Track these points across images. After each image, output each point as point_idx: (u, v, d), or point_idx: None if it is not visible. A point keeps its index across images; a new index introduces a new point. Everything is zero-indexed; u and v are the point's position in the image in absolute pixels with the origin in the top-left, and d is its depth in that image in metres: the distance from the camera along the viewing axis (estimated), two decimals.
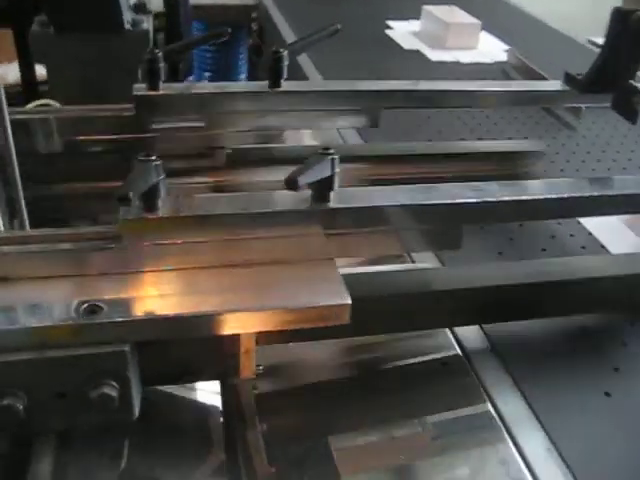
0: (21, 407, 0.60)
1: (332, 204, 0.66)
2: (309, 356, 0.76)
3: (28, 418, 0.61)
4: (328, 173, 0.63)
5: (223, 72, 2.19)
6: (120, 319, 0.60)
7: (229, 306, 0.62)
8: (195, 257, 0.66)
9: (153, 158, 0.61)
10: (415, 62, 1.65)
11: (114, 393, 0.61)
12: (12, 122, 0.83)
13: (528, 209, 0.72)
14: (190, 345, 0.66)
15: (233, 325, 0.63)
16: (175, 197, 0.65)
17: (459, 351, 0.80)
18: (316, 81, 1.29)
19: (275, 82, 0.90)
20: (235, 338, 0.67)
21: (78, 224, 0.89)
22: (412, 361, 0.80)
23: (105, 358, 0.60)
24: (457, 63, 1.65)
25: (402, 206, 0.68)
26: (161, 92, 0.88)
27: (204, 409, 0.77)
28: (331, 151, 0.64)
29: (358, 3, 2.05)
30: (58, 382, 0.61)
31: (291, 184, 0.57)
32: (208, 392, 0.76)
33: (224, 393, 0.74)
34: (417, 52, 1.72)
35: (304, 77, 1.39)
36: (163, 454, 0.70)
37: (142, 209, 0.64)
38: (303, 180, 0.58)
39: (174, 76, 0.88)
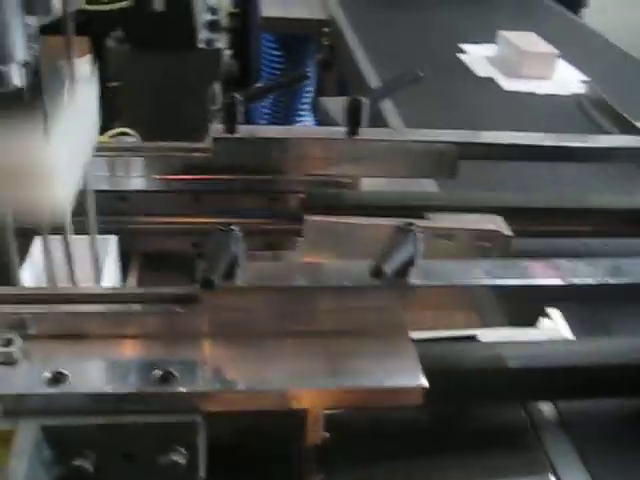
0: (91, 468, 0.61)
1: (412, 280, 0.65)
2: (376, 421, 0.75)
3: (97, 476, 0.61)
4: (412, 252, 0.62)
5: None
6: (193, 390, 0.60)
7: (300, 380, 0.62)
8: (270, 325, 0.65)
9: (233, 229, 0.61)
10: (488, 91, 1.62)
11: (182, 460, 0.61)
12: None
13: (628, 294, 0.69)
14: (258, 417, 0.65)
15: (302, 402, 0.63)
16: (253, 265, 0.65)
17: (528, 423, 0.78)
18: (395, 128, 1.27)
19: (353, 130, 0.89)
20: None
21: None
22: (478, 428, 0.78)
23: (176, 427, 0.60)
24: (531, 94, 1.60)
25: (482, 286, 0.66)
26: (238, 135, 0.88)
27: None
28: (412, 227, 0.62)
29: (431, 23, 2.01)
30: (128, 446, 0.61)
31: (377, 274, 0.56)
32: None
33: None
34: (491, 80, 1.68)
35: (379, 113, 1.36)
36: None
37: (220, 279, 0.63)
38: (389, 268, 0.57)
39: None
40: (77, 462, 0.60)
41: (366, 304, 0.66)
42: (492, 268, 0.69)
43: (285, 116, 2.19)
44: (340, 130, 0.90)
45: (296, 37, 2.05)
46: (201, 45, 1.40)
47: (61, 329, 0.63)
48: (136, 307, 0.64)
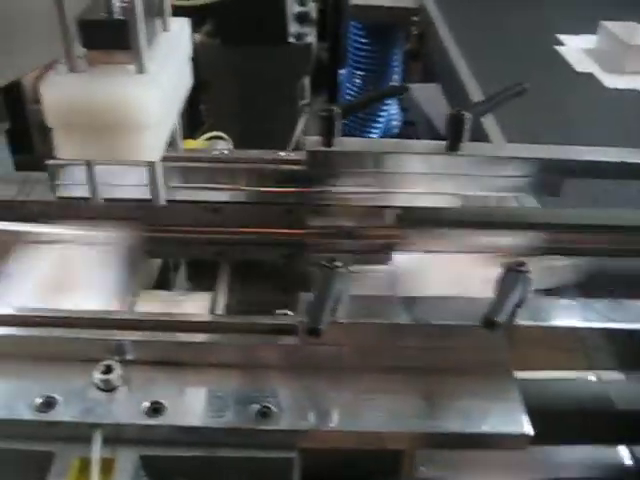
0: None
1: (519, 320, 0.62)
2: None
3: None
4: (523, 295, 0.59)
5: (376, 72, 2.14)
6: (290, 428, 0.59)
7: (398, 421, 0.60)
8: (369, 360, 0.64)
9: (338, 264, 0.59)
10: (587, 88, 1.53)
11: None
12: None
13: None
14: (354, 458, 0.64)
15: (399, 443, 0.61)
16: (354, 301, 0.63)
17: (632, 464, 0.74)
18: (496, 144, 1.22)
19: (454, 145, 0.85)
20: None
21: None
22: (583, 468, 0.75)
23: (272, 463, 0.60)
24: (635, 92, 1.51)
25: (592, 329, 0.63)
26: (335, 149, 0.85)
27: None
28: (524, 268, 0.59)
29: (527, 10, 1.92)
30: (223, 478, 0.61)
31: (490, 325, 0.53)
32: None
33: None
34: (590, 76, 1.59)
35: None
36: None
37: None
38: (502, 318, 0.54)
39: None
40: None
41: (469, 343, 0.63)
42: (603, 308, 0.65)
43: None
44: (440, 144, 0.87)
45: (384, 25, 2.00)
46: (291, 39, 1.38)
47: (160, 356, 0.63)
48: (235, 337, 0.63)
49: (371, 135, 2.22)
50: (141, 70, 0.58)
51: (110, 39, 0.58)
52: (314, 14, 1.50)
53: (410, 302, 0.64)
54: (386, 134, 2.34)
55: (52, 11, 0.55)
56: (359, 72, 2.15)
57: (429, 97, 2.04)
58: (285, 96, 1.40)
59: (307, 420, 0.60)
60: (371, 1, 1.85)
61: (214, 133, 1.05)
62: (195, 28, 1.40)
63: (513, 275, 0.58)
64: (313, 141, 0.88)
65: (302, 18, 1.47)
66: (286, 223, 0.90)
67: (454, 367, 0.64)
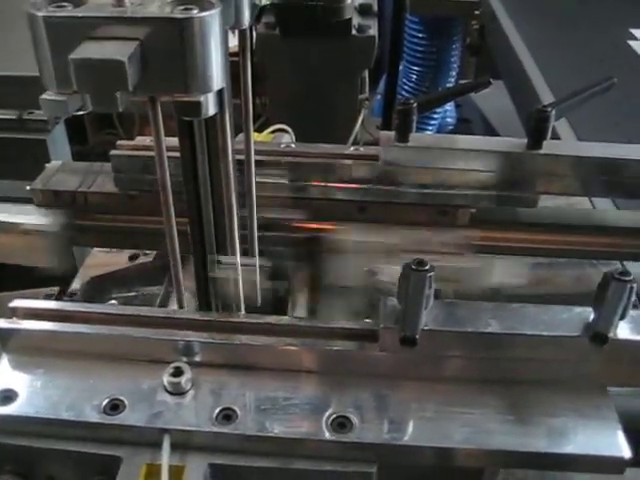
0: None
1: (618, 334, 0.57)
2: None
3: None
4: (625, 305, 0.54)
5: (434, 68, 2.08)
6: (371, 441, 0.55)
7: (484, 439, 0.56)
8: (453, 371, 0.59)
9: (427, 268, 0.55)
10: None
11: None
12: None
13: None
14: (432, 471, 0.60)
15: (485, 461, 0.57)
16: (442, 304, 0.59)
17: None
18: (574, 143, 1.16)
19: (536, 143, 0.80)
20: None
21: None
22: None
23: (350, 477, 0.56)
24: None
25: None
26: (410, 144, 0.81)
27: None
28: (627, 277, 0.54)
29: (598, 3, 1.84)
30: None
31: (600, 340, 0.49)
32: None
33: None
34: None
35: None
36: None
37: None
38: (613, 332, 0.49)
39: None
40: None
41: (564, 355, 0.58)
42: None
43: None
44: (520, 143, 0.82)
45: (442, 19, 1.94)
46: (354, 32, 1.34)
47: (231, 359, 0.60)
48: (310, 341, 0.60)
49: (426, 132, 2.17)
50: None
51: None
52: (375, 7, 1.46)
53: (500, 310, 0.60)
54: (440, 131, 2.29)
55: None
56: (415, 67, 2.10)
57: (484, 94, 1.97)
58: (345, 90, 1.36)
59: (387, 433, 0.56)
60: None
61: (278, 126, 1.01)
62: (255, 19, 1.37)
63: (617, 285, 0.53)
64: (387, 136, 0.84)
65: (364, 10, 1.43)
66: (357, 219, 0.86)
67: (545, 380, 0.59)
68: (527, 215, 0.87)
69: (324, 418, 0.56)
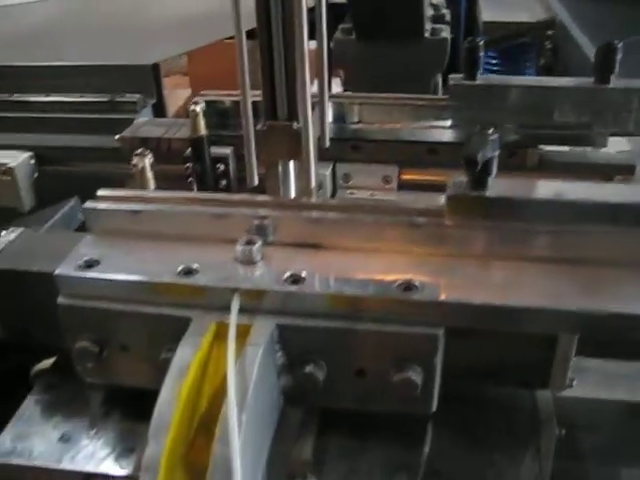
0: (321, 378, 0.58)
1: None
2: None
3: (326, 390, 0.58)
4: None
5: None
6: (439, 299, 0.55)
7: (555, 302, 0.55)
8: (520, 246, 0.59)
9: (490, 131, 0.56)
10: None
11: (418, 380, 0.56)
12: None
13: None
14: (499, 345, 0.59)
15: (551, 323, 0.55)
16: (506, 178, 0.59)
17: None
18: None
19: (603, 77, 0.81)
20: (552, 343, 0.59)
21: None
22: None
23: (416, 340, 0.56)
24: None
25: None
26: (479, 82, 0.84)
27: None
28: None
29: None
30: (362, 358, 0.57)
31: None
32: None
33: None
34: None
35: None
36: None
37: (470, 187, 0.59)
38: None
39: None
40: (308, 369, 0.58)
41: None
42: None
43: None
44: (589, 81, 0.83)
45: (514, 43, 1.97)
46: (426, 35, 1.38)
47: (301, 236, 0.62)
48: (377, 217, 0.61)
49: None
50: None
51: None
52: (448, 17, 1.51)
53: (559, 185, 0.60)
54: None
55: None
56: None
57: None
58: (421, 91, 1.40)
59: (455, 294, 0.56)
60: (499, 17, 1.84)
61: None
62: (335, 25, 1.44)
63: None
64: (455, 76, 0.86)
65: (436, 19, 1.48)
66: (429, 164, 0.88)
67: (617, 259, 0.58)
68: (596, 157, 0.87)
69: (389, 284, 0.57)
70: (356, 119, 0.89)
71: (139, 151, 0.70)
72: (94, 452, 0.63)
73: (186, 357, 0.55)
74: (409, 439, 0.63)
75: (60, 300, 0.61)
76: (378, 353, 0.57)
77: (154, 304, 0.59)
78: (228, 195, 0.67)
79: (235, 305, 0.57)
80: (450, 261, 0.59)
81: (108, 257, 0.62)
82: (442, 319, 0.55)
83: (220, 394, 0.55)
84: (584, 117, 0.82)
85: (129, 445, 0.64)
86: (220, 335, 0.57)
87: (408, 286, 0.57)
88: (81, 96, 1.14)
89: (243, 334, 0.56)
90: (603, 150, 0.86)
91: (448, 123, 0.86)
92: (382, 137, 0.87)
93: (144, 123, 0.94)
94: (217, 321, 0.57)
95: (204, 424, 0.55)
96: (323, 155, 0.78)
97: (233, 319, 0.56)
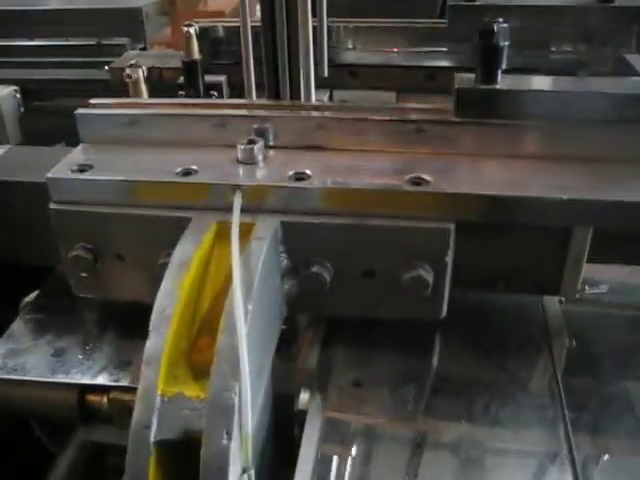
0: (328, 278, 0.55)
1: None
2: None
3: (332, 295, 0.56)
4: None
5: None
6: (450, 191, 0.53)
7: (570, 192, 0.53)
8: (530, 143, 0.57)
9: (502, 24, 0.54)
10: None
11: (429, 278, 0.54)
12: None
13: None
14: (512, 246, 0.57)
15: (559, 213, 0.53)
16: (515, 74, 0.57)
17: None
18: None
19: None
20: (565, 244, 0.57)
21: None
22: None
23: (427, 235, 0.53)
24: None
25: None
26: (478, 3, 0.82)
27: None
28: None
29: None
30: (370, 257, 0.55)
31: None
32: None
33: None
34: None
35: None
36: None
37: (479, 81, 0.57)
38: None
39: None
40: (314, 269, 0.55)
41: None
42: None
43: None
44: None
45: None
46: None
47: (301, 139, 0.60)
48: (381, 116, 0.59)
49: None
50: None
51: None
52: None
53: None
54: None
55: None
56: None
57: None
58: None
59: (465, 188, 0.54)
60: None
61: None
62: None
63: None
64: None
65: None
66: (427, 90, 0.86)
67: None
68: None
69: (398, 178, 0.55)
70: (352, 45, 0.86)
71: (133, 62, 0.67)
72: (90, 366, 0.61)
73: (187, 251, 0.52)
74: (417, 350, 0.61)
75: (52, 206, 0.58)
76: (388, 251, 0.54)
77: (151, 206, 0.57)
78: (226, 100, 0.64)
79: (237, 201, 0.54)
80: (458, 159, 0.57)
81: (102, 162, 0.59)
82: (453, 213, 0.53)
83: (222, 295, 0.53)
84: (584, 39, 0.81)
85: (125, 359, 0.61)
86: (221, 235, 0.54)
87: (417, 180, 0.54)
88: (67, 40, 1.11)
89: (246, 233, 0.53)
90: None
91: (446, 48, 0.84)
92: (379, 62, 0.84)
93: (134, 55, 0.91)
94: (218, 220, 0.55)
95: (206, 325, 0.52)
96: (321, 83, 0.76)
97: (236, 209, 0.53)
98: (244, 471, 0.46)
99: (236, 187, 0.55)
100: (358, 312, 0.58)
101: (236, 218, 0.53)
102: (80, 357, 0.63)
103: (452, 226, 0.53)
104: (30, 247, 0.66)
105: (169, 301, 0.49)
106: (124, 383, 0.59)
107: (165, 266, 0.56)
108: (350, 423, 0.55)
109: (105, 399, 0.61)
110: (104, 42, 1.11)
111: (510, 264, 0.59)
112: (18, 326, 0.66)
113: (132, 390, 0.59)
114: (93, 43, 1.11)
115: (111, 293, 0.62)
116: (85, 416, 0.63)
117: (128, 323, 0.64)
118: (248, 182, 0.55)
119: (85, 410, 0.62)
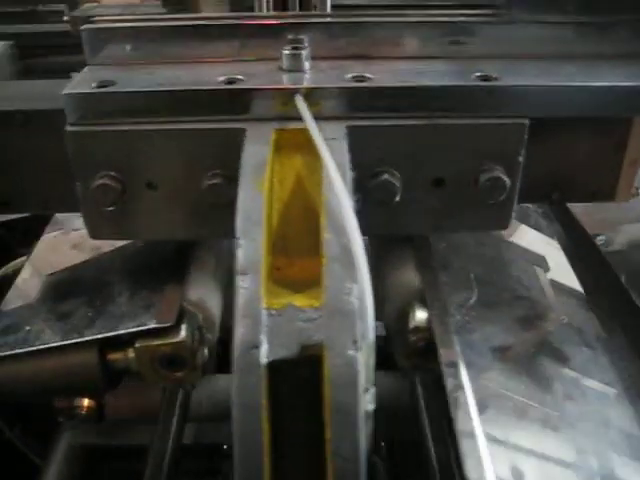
0: (398, 185, 0.51)
1: None
2: None
3: (397, 208, 0.52)
4: None
5: None
6: (522, 84, 0.50)
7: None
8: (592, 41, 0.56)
9: None
10: None
11: (506, 178, 0.51)
12: None
13: None
14: (565, 154, 0.55)
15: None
16: None
17: None
18: None
19: None
20: (621, 146, 0.56)
21: None
22: None
23: (501, 132, 0.50)
24: None
25: None
26: None
27: None
28: None
29: None
30: (440, 162, 0.51)
31: None
32: None
33: None
34: None
35: None
36: None
37: None
38: None
39: None
40: (384, 177, 0.51)
41: None
42: None
43: None
44: None
45: None
46: None
47: (344, 49, 0.55)
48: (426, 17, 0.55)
49: None
50: None
51: None
52: None
53: None
54: None
55: None
56: None
57: None
58: None
59: (537, 79, 0.51)
60: None
61: None
62: None
63: None
64: None
65: None
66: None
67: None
68: None
69: (466, 76, 0.51)
70: None
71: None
72: (106, 319, 0.53)
73: (259, 153, 0.46)
74: None
75: (70, 128, 0.50)
76: (458, 154, 0.51)
77: (193, 120, 0.50)
78: (247, 13, 0.58)
79: (302, 104, 0.48)
80: (516, 60, 0.55)
81: (124, 78, 0.52)
82: (525, 107, 0.50)
83: (292, 210, 0.47)
84: None
85: (144, 303, 0.54)
86: (282, 146, 0.49)
87: (486, 77, 0.51)
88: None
89: (307, 142, 0.47)
90: None
91: None
92: None
93: (94, 6, 0.82)
94: (277, 128, 0.49)
95: (279, 243, 0.46)
96: None
97: (304, 110, 0.47)
98: (365, 390, 0.41)
99: (294, 91, 0.49)
100: (426, 228, 0.54)
101: (308, 117, 0.47)
102: (90, 315, 0.55)
103: (527, 121, 0.50)
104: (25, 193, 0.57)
105: (255, 205, 0.43)
106: (152, 325, 0.51)
107: (215, 187, 0.49)
108: None
109: (130, 352, 0.53)
110: (40, 9, 1.02)
111: (568, 170, 0.57)
112: (10, 299, 0.57)
113: (163, 332, 0.53)
114: (28, 10, 1.02)
115: (137, 233, 0.54)
116: (110, 378, 0.55)
117: (137, 272, 0.57)
118: (307, 84, 0.50)
119: (108, 370, 0.54)
